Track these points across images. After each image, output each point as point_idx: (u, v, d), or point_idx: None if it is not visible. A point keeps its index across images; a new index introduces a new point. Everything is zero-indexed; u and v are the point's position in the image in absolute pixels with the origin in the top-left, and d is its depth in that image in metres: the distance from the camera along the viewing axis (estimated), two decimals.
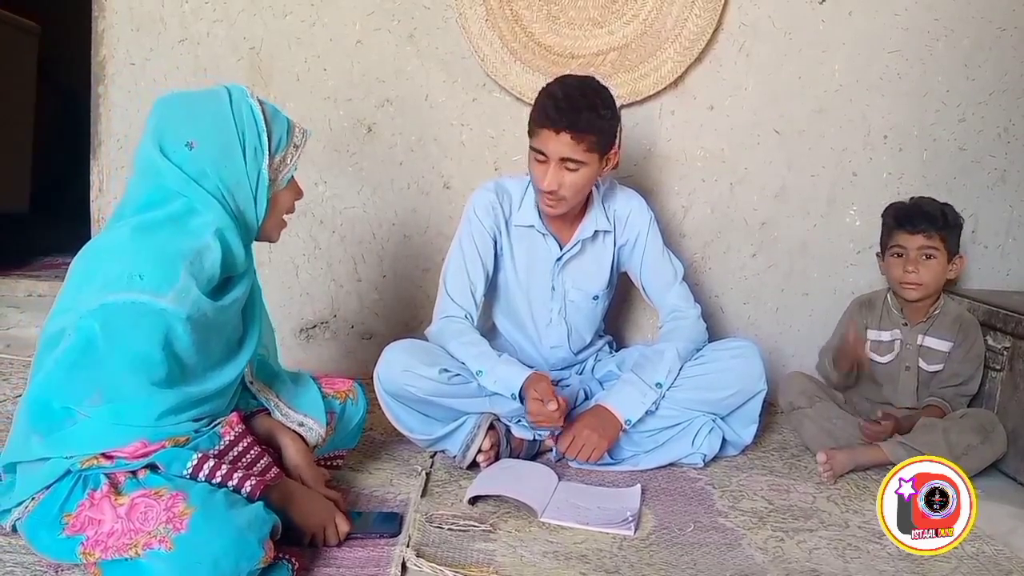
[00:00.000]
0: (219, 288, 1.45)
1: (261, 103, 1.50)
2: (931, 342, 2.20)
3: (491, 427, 1.92)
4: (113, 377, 1.32)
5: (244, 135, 1.45)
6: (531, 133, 1.94)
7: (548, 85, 1.95)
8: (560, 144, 1.87)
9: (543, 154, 1.90)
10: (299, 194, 1.60)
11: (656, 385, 1.97)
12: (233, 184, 1.45)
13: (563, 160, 1.89)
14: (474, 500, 1.73)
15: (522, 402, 1.89)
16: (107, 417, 1.32)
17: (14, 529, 1.39)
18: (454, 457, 1.92)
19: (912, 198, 2.23)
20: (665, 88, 2.45)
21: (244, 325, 1.56)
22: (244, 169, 1.45)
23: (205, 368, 1.43)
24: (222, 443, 1.42)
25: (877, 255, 2.30)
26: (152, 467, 1.34)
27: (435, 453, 1.99)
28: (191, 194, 1.41)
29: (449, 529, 1.59)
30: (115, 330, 1.30)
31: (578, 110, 1.86)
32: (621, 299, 2.49)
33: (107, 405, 1.32)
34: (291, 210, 1.60)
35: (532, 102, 1.97)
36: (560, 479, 1.87)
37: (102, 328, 1.29)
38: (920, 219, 2.14)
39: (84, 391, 1.32)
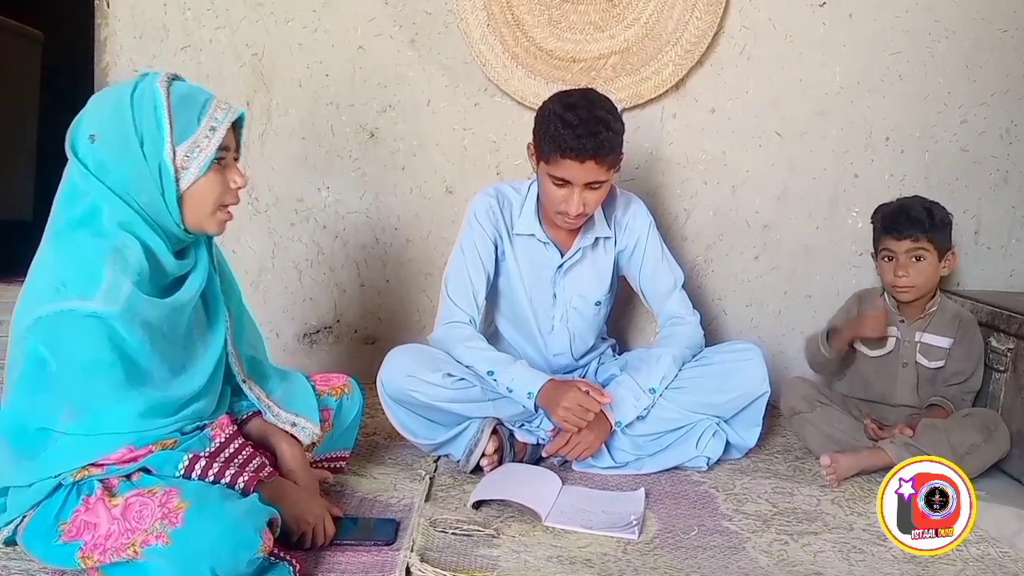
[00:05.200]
0: (166, 289, 1.41)
1: (171, 85, 1.37)
2: (930, 339, 2.19)
3: (495, 431, 1.92)
4: (73, 390, 1.29)
5: (140, 125, 1.34)
6: (547, 160, 1.89)
7: (554, 107, 1.88)
8: (586, 171, 1.86)
9: (564, 180, 1.88)
10: (231, 181, 1.43)
11: (650, 390, 1.97)
12: (134, 177, 1.34)
13: (588, 184, 1.88)
14: (478, 505, 1.73)
15: (536, 409, 1.91)
16: (85, 430, 1.30)
17: (9, 544, 1.38)
18: (458, 461, 1.93)
19: (898, 199, 2.21)
20: (666, 91, 2.45)
21: (208, 326, 1.51)
22: (144, 162, 1.34)
23: (166, 370, 1.38)
24: (213, 445, 1.40)
25: (872, 255, 2.30)
26: (145, 470, 1.33)
27: (439, 457, 1.99)
28: (93, 191, 1.34)
29: (453, 534, 1.59)
30: (58, 344, 1.28)
31: (598, 134, 1.83)
32: (624, 302, 2.48)
33: (81, 418, 1.30)
34: (229, 200, 1.44)
35: (533, 107, 1.96)
36: (564, 483, 1.87)
37: (45, 345, 1.27)
38: (905, 224, 2.12)
39: (53, 410, 1.30)
